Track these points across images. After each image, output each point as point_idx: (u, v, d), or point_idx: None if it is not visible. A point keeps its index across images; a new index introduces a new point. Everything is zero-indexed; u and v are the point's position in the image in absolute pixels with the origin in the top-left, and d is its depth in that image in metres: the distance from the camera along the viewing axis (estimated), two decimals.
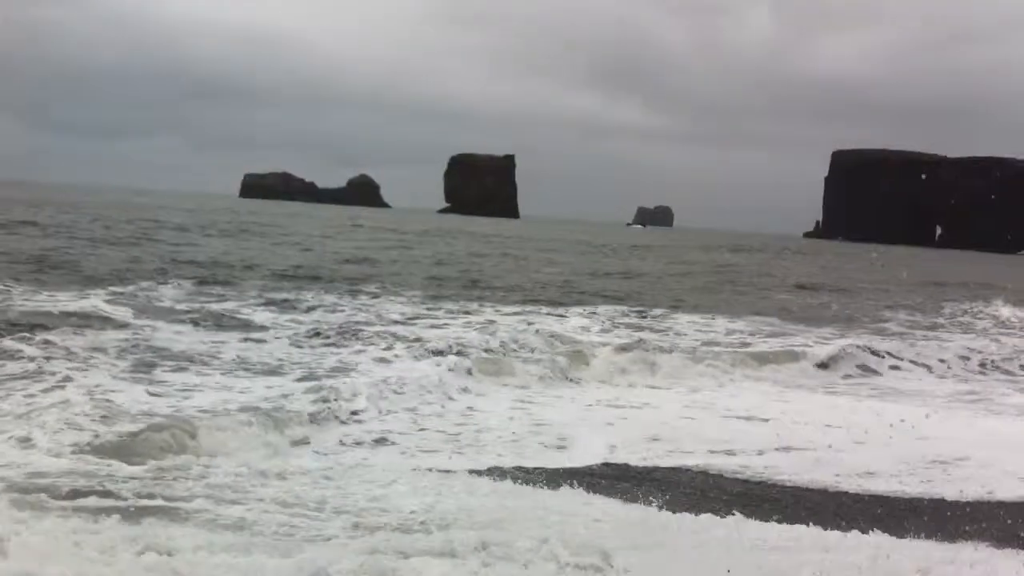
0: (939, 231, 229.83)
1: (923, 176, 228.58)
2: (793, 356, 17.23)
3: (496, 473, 8.58)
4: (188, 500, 7.10)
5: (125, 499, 7.05)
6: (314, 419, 10.50)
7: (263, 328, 16.92)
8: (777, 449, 10.28)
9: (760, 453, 10.05)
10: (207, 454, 8.73)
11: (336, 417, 10.79)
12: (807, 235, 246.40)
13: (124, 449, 8.48)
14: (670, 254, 68.73)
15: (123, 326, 15.42)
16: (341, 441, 9.95)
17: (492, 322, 19.68)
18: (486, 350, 15.37)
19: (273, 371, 13.10)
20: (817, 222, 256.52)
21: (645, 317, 22.47)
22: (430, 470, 8.61)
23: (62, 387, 10.64)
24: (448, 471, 8.57)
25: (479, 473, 8.53)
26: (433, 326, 18.76)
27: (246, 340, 15.42)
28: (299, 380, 12.50)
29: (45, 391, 10.42)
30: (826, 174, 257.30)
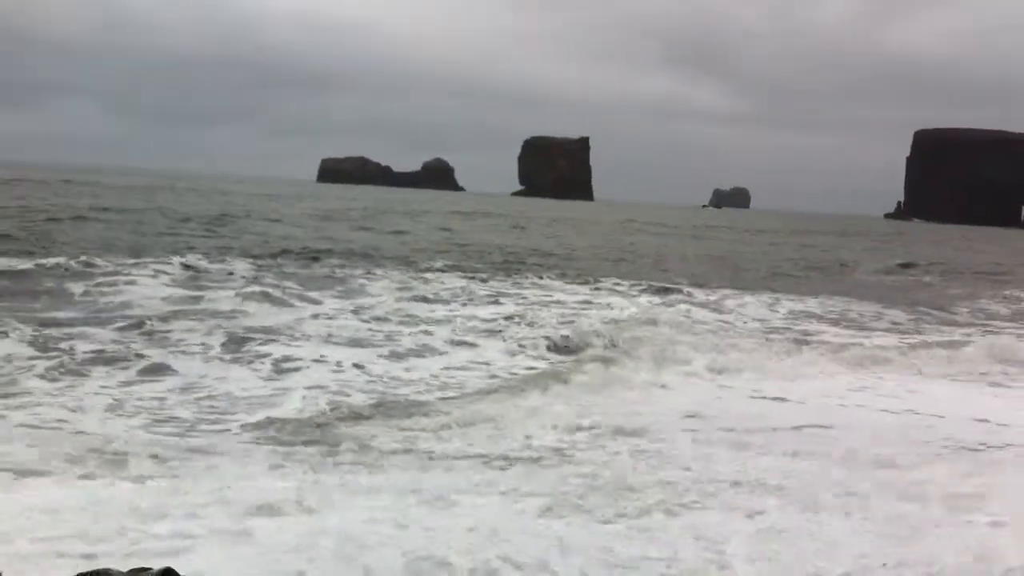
0: None
1: (1008, 156, 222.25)
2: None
3: None
4: None
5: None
6: None
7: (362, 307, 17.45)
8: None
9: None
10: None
11: None
12: (888, 216, 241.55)
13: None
14: (753, 236, 68.24)
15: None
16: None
17: (560, 302, 20.03)
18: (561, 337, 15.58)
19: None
20: (899, 203, 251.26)
21: (716, 299, 22.59)
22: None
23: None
24: None
25: None
26: (494, 302, 19.17)
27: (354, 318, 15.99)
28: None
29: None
30: (907, 155, 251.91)
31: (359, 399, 10.61)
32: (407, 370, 12.38)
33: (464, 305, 18.70)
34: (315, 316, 16.09)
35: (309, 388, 10.96)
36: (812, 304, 22.36)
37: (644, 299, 21.44)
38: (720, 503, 7.26)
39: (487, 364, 13.05)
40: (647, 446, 8.96)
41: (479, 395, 11.19)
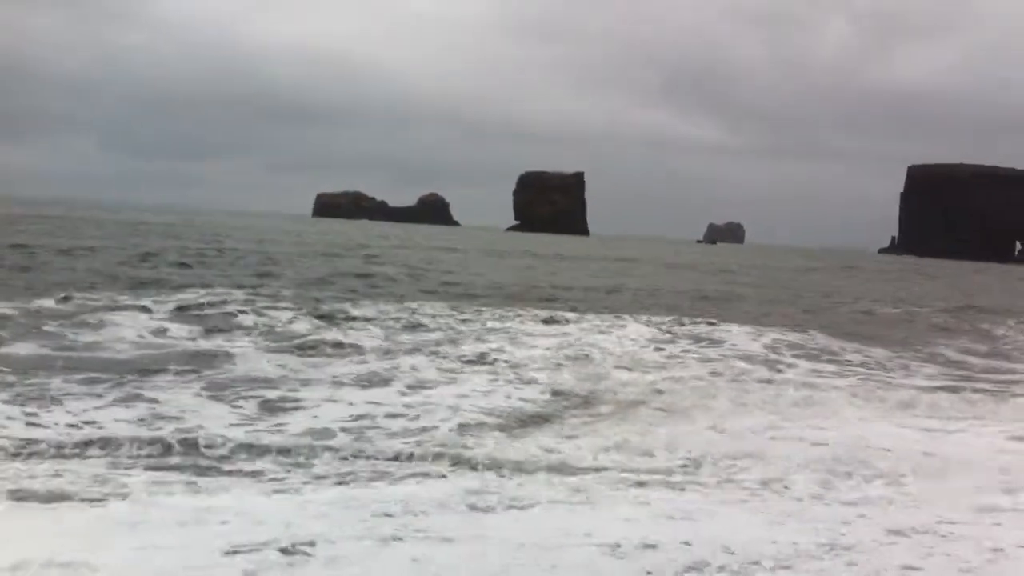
0: (1019, 247, 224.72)
1: (1002, 192, 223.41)
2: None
3: None
4: None
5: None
6: None
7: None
8: None
9: None
10: None
11: None
12: (882, 251, 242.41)
13: None
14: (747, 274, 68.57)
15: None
16: None
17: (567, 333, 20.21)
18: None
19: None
20: (893, 238, 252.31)
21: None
22: None
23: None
24: None
25: None
26: (476, 339, 19.33)
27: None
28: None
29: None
30: (902, 189, 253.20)
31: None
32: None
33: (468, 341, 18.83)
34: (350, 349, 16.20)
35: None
36: (797, 338, 22.33)
37: (637, 333, 21.52)
38: None
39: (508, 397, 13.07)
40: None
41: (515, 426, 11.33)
